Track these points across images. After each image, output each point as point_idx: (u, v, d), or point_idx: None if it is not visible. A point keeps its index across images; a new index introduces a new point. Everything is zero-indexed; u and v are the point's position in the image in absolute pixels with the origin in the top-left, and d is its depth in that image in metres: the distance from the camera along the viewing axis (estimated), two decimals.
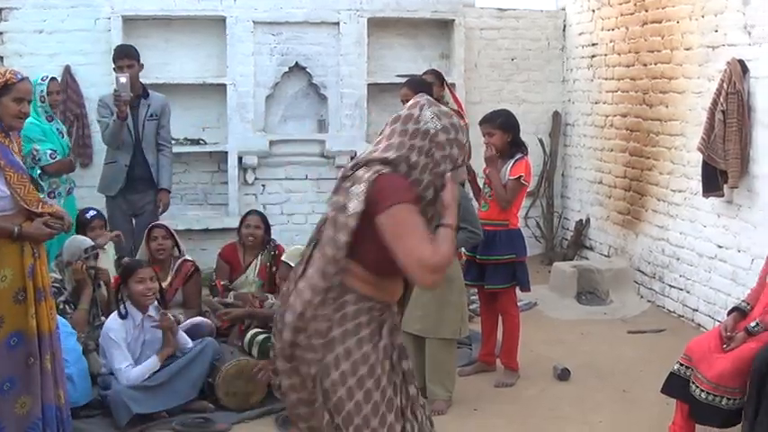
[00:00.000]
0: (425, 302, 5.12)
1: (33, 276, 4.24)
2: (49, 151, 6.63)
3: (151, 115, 6.92)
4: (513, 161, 5.57)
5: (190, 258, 6.39)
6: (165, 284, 5.98)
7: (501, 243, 5.57)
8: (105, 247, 6.28)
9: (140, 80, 6.96)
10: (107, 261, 6.20)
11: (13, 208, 4.19)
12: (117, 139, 6.76)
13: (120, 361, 5.05)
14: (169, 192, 7.15)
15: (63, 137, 6.88)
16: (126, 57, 6.84)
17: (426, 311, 5.15)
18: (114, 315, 5.20)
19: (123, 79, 6.63)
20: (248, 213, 6.91)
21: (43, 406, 4.28)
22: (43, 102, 6.72)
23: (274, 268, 6.45)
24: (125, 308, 5.18)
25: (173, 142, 7.33)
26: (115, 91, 6.64)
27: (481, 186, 5.85)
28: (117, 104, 6.61)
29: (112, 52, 7.07)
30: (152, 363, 5.12)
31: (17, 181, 4.17)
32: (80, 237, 5.92)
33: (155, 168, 6.98)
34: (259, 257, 6.64)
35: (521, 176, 5.54)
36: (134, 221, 7.01)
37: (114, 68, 6.88)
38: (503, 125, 5.62)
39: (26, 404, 4.24)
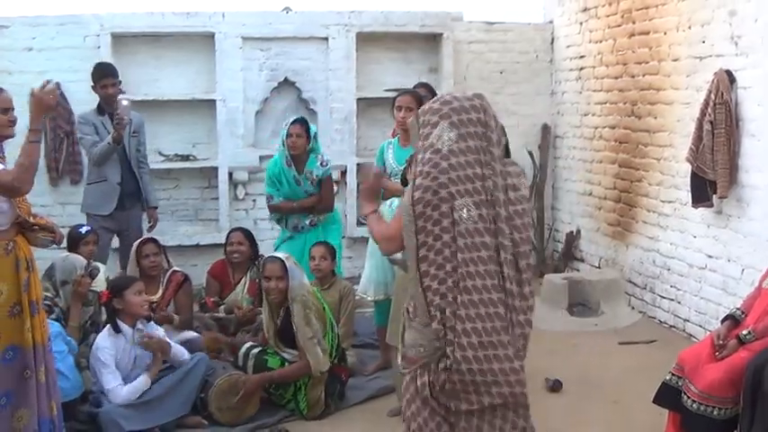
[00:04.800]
0: None
1: (28, 289, 4.24)
2: None
3: (134, 132, 6.87)
4: None
5: (179, 269, 6.38)
6: (156, 297, 5.98)
7: None
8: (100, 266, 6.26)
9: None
10: (100, 280, 6.17)
11: (7, 223, 4.20)
12: (107, 160, 6.70)
13: (110, 381, 5.02)
14: (156, 208, 7.20)
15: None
16: (111, 75, 6.76)
17: None
18: (104, 332, 5.17)
19: (126, 102, 6.54)
20: (231, 231, 6.91)
21: (39, 420, 4.27)
22: None
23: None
24: (116, 324, 5.16)
25: (162, 158, 7.29)
26: (116, 115, 6.51)
27: None
28: (117, 128, 6.49)
29: (92, 71, 6.93)
30: (142, 382, 5.09)
31: None
32: (73, 255, 5.91)
33: (142, 185, 6.96)
34: (248, 274, 6.63)
35: None
36: (118, 238, 6.96)
37: (95, 87, 6.78)
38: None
39: (23, 418, 4.24)
